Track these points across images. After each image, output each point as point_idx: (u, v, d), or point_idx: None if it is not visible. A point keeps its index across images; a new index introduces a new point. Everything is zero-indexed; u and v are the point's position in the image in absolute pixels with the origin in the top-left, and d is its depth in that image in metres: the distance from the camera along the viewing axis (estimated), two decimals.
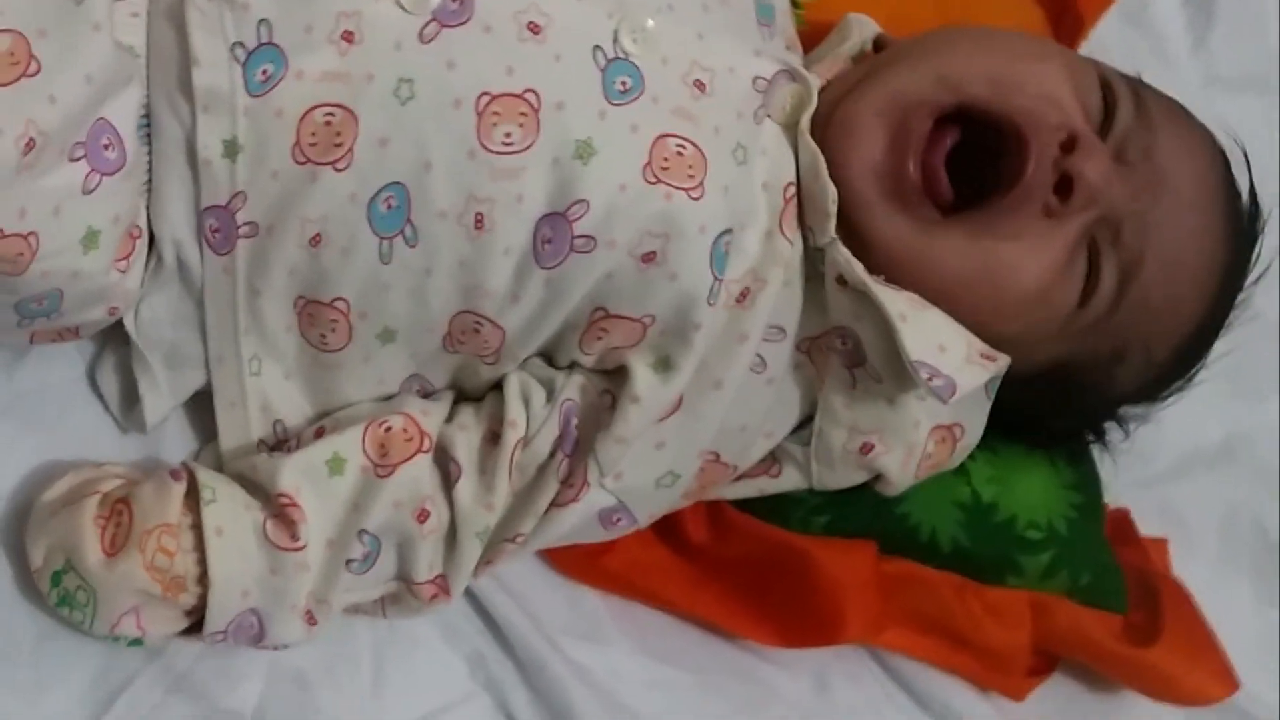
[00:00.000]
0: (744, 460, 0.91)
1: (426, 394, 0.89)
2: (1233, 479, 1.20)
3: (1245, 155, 0.97)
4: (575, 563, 0.97)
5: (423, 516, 0.84)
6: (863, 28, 0.94)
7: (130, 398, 0.86)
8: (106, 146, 0.76)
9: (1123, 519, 1.11)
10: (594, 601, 0.98)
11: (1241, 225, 0.96)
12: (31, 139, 0.71)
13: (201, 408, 0.87)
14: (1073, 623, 1.02)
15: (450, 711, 0.93)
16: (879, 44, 0.97)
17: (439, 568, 0.87)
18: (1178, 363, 0.97)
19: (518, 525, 0.86)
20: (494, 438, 0.86)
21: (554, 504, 0.86)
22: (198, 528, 0.81)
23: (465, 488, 0.85)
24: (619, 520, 0.89)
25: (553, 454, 0.86)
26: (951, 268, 0.86)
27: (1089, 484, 1.06)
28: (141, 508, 0.81)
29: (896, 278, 0.85)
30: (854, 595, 0.97)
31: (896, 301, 0.84)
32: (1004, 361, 0.86)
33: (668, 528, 0.98)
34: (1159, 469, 1.17)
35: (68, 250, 0.75)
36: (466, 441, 0.86)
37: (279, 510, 0.83)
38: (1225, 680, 1.04)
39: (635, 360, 0.85)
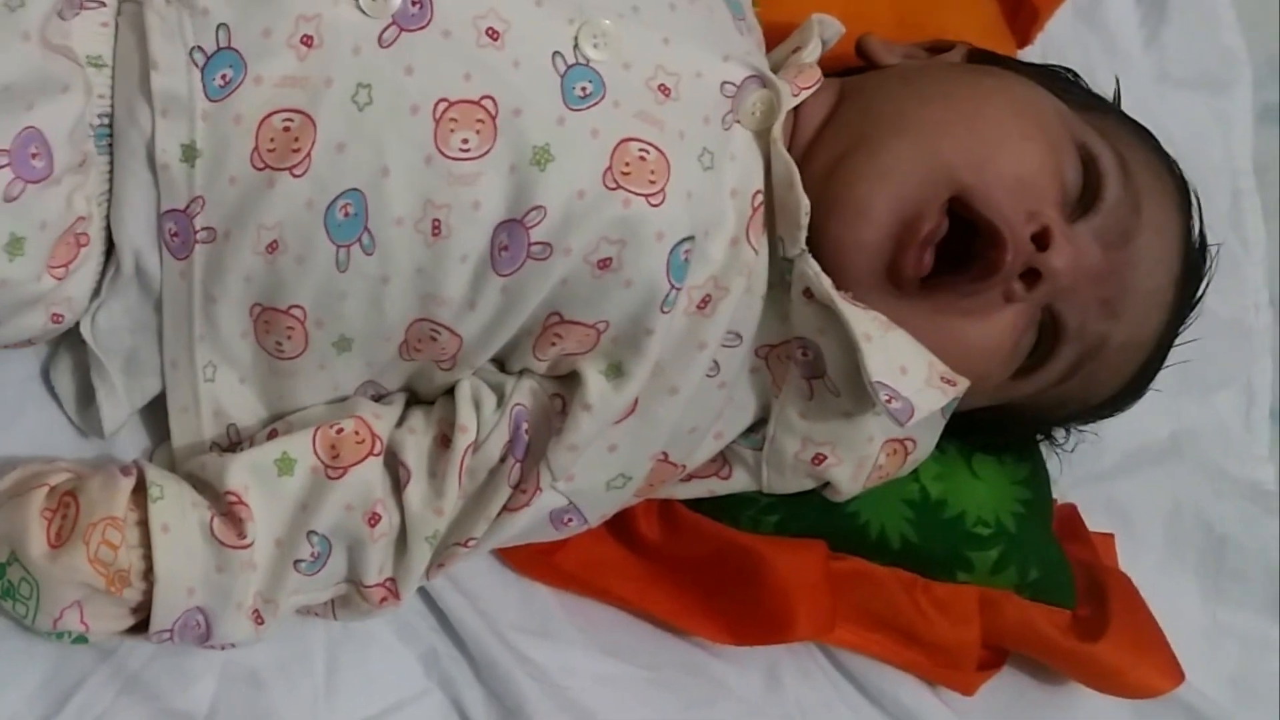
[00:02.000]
0: (692, 460, 0.92)
1: (379, 397, 0.89)
2: (1178, 475, 1.21)
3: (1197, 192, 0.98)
4: (528, 560, 0.97)
5: (374, 520, 0.84)
6: (825, 28, 0.93)
7: (85, 398, 0.86)
8: (34, 155, 0.75)
9: (1071, 514, 1.12)
10: (546, 598, 0.98)
11: (1195, 287, 0.97)
12: None
13: (157, 408, 0.87)
14: (1021, 618, 1.03)
15: (404, 709, 0.93)
16: (861, 50, 0.97)
17: (389, 571, 0.87)
18: (1115, 402, 1.00)
19: (469, 529, 0.86)
20: (444, 441, 0.86)
21: (506, 508, 0.86)
22: (144, 524, 0.81)
23: (415, 492, 0.85)
24: (570, 520, 0.89)
25: (503, 458, 0.86)
26: (912, 335, 0.86)
27: (1037, 480, 1.06)
28: (88, 501, 0.80)
29: None
30: (804, 594, 0.97)
31: (862, 321, 0.84)
32: (963, 385, 0.86)
33: (620, 525, 0.98)
34: (1106, 465, 1.18)
35: None
36: (416, 445, 0.86)
37: (226, 508, 0.83)
38: (1171, 673, 1.05)
39: (587, 367, 0.85)
